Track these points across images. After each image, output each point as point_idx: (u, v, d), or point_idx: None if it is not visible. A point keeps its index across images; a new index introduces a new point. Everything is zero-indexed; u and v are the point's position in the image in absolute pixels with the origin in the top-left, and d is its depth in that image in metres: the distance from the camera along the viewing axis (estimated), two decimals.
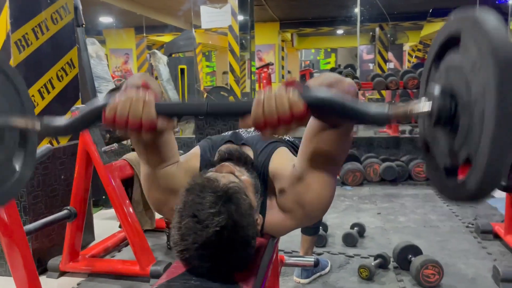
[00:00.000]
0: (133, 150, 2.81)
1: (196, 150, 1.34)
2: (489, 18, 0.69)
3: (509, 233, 2.78)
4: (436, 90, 0.77)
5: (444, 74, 0.83)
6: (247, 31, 5.88)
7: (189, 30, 7.62)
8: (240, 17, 5.51)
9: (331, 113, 0.84)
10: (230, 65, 6.35)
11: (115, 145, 2.32)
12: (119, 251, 2.91)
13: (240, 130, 1.46)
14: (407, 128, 7.09)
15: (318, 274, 2.48)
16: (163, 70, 6.27)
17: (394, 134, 6.17)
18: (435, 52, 0.87)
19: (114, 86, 4.00)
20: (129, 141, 2.80)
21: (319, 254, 2.74)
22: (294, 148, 1.41)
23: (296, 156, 1.19)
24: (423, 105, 0.77)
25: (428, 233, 3.10)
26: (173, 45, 6.69)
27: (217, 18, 4.61)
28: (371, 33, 12.38)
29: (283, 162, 1.22)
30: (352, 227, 3.04)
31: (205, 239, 0.96)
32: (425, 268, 2.29)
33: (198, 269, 1.01)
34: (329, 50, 17.00)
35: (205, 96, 6.06)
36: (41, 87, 2.57)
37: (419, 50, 13.40)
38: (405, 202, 3.88)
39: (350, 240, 2.88)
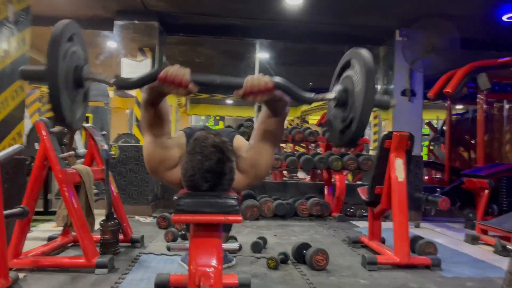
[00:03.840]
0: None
1: (181, 132, 1.97)
2: (363, 52, 1.51)
3: (372, 240, 3.73)
4: (338, 87, 1.57)
5: (342, 81, 1.64)
6: None
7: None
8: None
9: (283, 89, 1.54)
10: (136, 117, 6.88)
11: (72, 152, 2.73)
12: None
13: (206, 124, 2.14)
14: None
15: (226, 265, 3.05)
16: None
17: (281, 179, 7.17)
18: (338, 70, 1.68)
19: None
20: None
21: (234, 256, 3.34)
22: None
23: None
24: (332, 94, 1.56)
25: (315, 245, 3.89)
26: None
27: (137, 70, 5.22)
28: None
29: (241, 141, 1.93)
30: (258, 239, 3.71)
31: (208, 166, 1.61)
32: (316, 254, 3.05)
33: (201, 187, 1.63)
34: (217, 118, 18.26)
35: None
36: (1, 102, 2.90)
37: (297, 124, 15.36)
38: (294, 229, 4.71)
39: (257, 247, 3.54)
